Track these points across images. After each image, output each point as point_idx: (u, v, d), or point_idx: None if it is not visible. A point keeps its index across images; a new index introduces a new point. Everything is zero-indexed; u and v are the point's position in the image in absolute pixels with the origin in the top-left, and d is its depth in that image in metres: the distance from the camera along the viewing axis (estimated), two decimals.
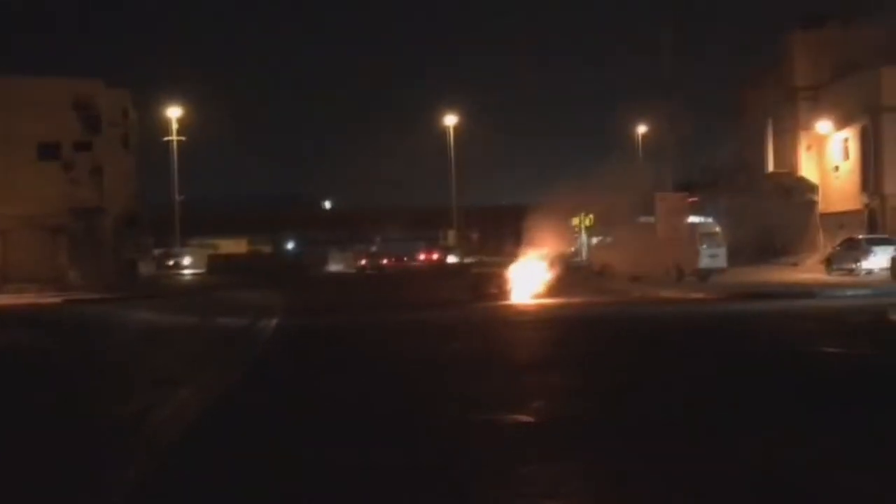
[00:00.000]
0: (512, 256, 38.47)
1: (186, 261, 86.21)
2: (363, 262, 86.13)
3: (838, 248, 48.75)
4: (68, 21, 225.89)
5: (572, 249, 70.27)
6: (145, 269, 68.31)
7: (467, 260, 57.84)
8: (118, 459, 9.33)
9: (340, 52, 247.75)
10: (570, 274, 38.77)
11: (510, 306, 31.54)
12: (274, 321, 26.83)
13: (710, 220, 47.01)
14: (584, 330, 23.27)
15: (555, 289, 35.54)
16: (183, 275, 75.87)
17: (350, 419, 11.46)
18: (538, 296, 34.63)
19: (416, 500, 7.74)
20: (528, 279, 35.98)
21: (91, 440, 10.35)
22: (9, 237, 46.20)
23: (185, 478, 8.78)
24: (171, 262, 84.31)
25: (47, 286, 43.09)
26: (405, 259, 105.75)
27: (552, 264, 37.65)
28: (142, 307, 31.47)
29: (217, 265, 79.82)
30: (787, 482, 7.99)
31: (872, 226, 56.63)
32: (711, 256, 42.89)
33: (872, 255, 44.16)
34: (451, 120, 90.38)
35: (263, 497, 7.98)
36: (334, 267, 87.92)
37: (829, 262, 47.84)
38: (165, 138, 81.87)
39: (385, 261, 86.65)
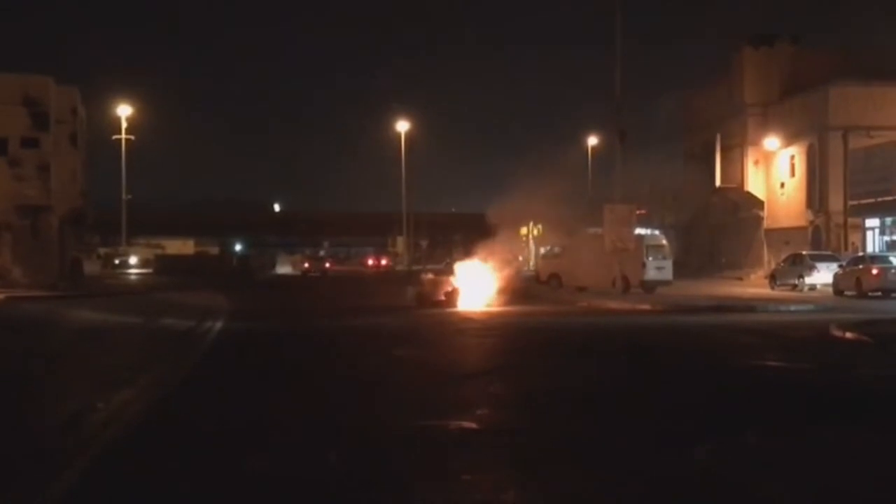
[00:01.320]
0: (460, 264, 38.50)
1: (132, 260, 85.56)
2: (307, 265, 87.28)
3: (783, 263, 49.32)
4: (17, 17, 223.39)
5: (520, 259, 70.53)
6: (91, 267, 67.67)
7: (415, 267, 57.87)
8: (53, 461, 9.22)
9: (293, 54, 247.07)
10: (518, 283, 38.83)
11: (455, 314, 31.57)
12: (218, 324, 26.67)
13: (657, 232, 47.36)
14: (525, 339, 23.32)
15: (501, 298, 35.65)
16: (128, 274, 75.24)
17: (290, 425, 11.42)
18: (484, 304, 34.72)
19: (359, 501, 7.73)
20: (475, 287, 36.05)
21: (28, 442, 10.23)
22: None
23: (116, 481, 8.71)
24: (116, 262, 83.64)
25: None
26: (350, 264, 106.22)
27: (500, 273, 37.75)
28: (85, 306, 31.13)
29: (163, 266, 79.23)
30: (691, 483, 8.08)
31: (816, 242, 57.38)
32: (658, 269, 43.21)
33: (816, 271, 44.71)
34: (402, 126, 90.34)
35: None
36: (281, 269, 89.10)
37: (773, 278, 48.40)
38: (114, 137, 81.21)
39: (327, 264, 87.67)
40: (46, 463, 9.07)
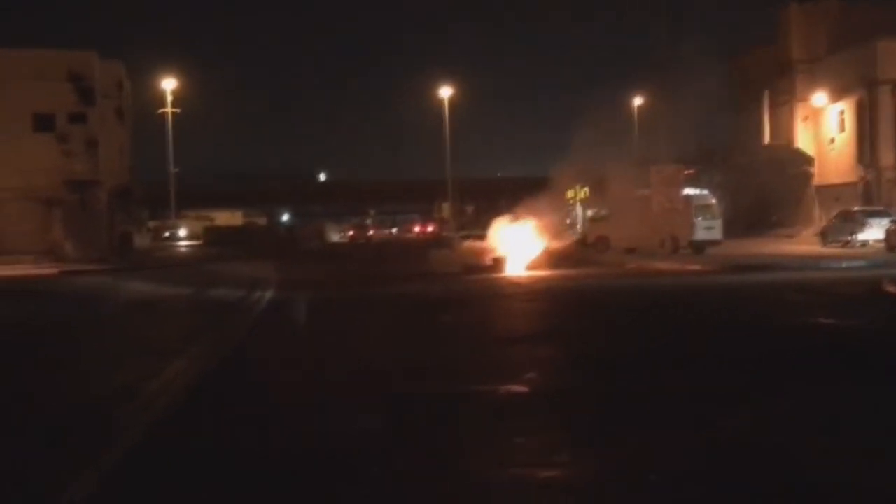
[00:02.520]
0: (507, 229, 38.33)
1: (182, 233, 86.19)
2: (351, 233, 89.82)
3: (834, 220, 48.77)
4: None
5: (567, 222, 70.28)
6: (140, 241, 68.27)
7: (462, 233, 57.83)
8: (109, 428, 9.33)
9: (337, 23, 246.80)
10: (565, 246, 38.73)
11: (502, 279, 31.53)
12: (268, 293, 26.82)
13: (705, 192, 46.97)
14: (573, 301, 23.28)
15: (549, 261, 35.55)
16: (178, 247, 75.84)
17: (340, 392, 11.47)
18: (531, 268, 34.64)
19: (410, 467, 7.74)
20: (521, 252, 35.97)
21: (84, 411, 10.36)
22: (4, 209, 46.06)
23: (175, 441, 8.80)
24: (166, 234, 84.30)
25: (42, 258, 43.08)
26: (395, 231, 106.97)
27: (547, 237, 37.64)
28: (136, 278, 31.45)
29: (212, 237, 79.77)
30: (762, 446, 8.02)
31: (868, 198, 56.65)
32: (707, 228, 42.89)
33: (867, 227, 44.18)
34: (446, 92, 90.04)
35: (254, 456, 8.00)
36: (330, 238, 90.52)
37: (824, 235, 47.86)
38: (160, 110, 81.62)
39: (371, 232, 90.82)
40: (103, 430, 9.17)
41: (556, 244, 37.80)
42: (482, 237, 37.91)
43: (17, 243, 44.98)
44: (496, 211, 38.72)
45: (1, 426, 9.67)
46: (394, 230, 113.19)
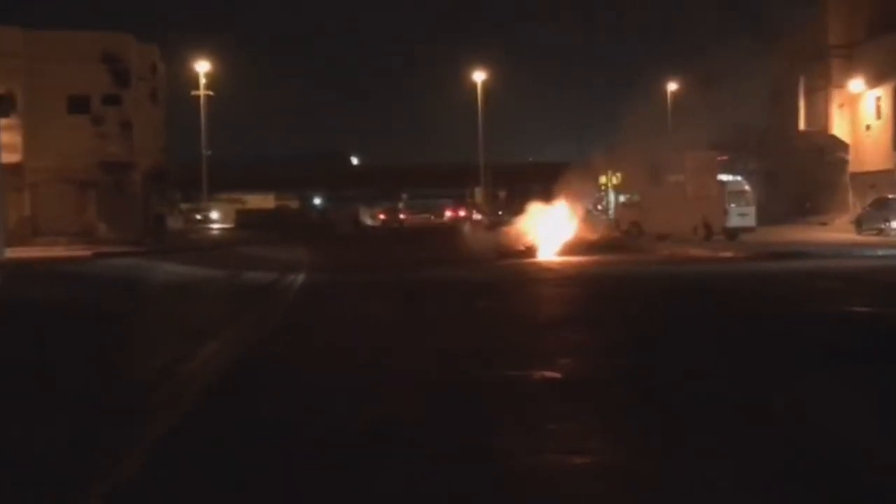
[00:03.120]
0: (539, 214, 38.18)
1: (214, 215, 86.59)
2: (382, 216, 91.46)
3: (868, 207, 48.41)
4: None
5: (599, 207, 70.02)
6: (173, 223, 68.66)
7: (492, 217, 57.71)
8: (146, 411, 9.41)
9: (370, 7, 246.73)
10: (598, 232, 38.59)
11: (534, 264, 31.49)
12: (300, 277, 26.91)
13: (739, 178, 46.72)
14: (605, 287, 23.21)
15: (581, 247, 35.45)
16: (210, 229, 76.19)
17: (374, 376, 11.50)
18: (563, 254, 34.57)
19: (443, 451, 7.76)
20: (555, 237, 35.89)
21: (121, 393, 10.45)
22: (39, 191, 46.37)
23: (220, 413, 8.85)
24: (198, 217, 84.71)
25: (76, 239, 43.34)
26: (429, 216, 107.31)
27: (579, 222, 37.53)
28: (170, 261, 31.60)
29: (244, 220, 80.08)
30: (804, 436, 7.98)
31: None
32: (740, 215, 42.68)
33: None
34: (479, 76, 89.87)
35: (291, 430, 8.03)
36: (364, 222, 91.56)
37: (859, 222, 47.52)
38: (193, 93, 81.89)
39: (402, 216, 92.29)
40: (140, 413, 9.24)
41: (589, 230, 37.64)
42: (513, 222, 37.80)
43: (52, 225, 45.31)
44: (528, 195, 38.59)
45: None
46: (426, 215, 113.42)
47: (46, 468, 7.47)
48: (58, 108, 46.97)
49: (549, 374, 11.07)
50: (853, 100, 63.83)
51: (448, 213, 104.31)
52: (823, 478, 6.88)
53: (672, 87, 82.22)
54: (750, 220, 43.06)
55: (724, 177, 45.31)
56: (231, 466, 7.50)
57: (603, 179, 73.48)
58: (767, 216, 50.63)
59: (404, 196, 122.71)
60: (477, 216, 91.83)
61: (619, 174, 71.80)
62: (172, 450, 8.13)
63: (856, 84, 62.27)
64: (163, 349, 13.19)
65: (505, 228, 37.57)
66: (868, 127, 62.77)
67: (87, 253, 36.52)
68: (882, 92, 60.90)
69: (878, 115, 61.50)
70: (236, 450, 8.02)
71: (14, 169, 44.99)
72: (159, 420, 9.03)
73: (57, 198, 46.31)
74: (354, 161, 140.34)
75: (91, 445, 8.07)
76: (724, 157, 53.02)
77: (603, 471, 7.19)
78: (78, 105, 47.44)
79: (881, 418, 8.67)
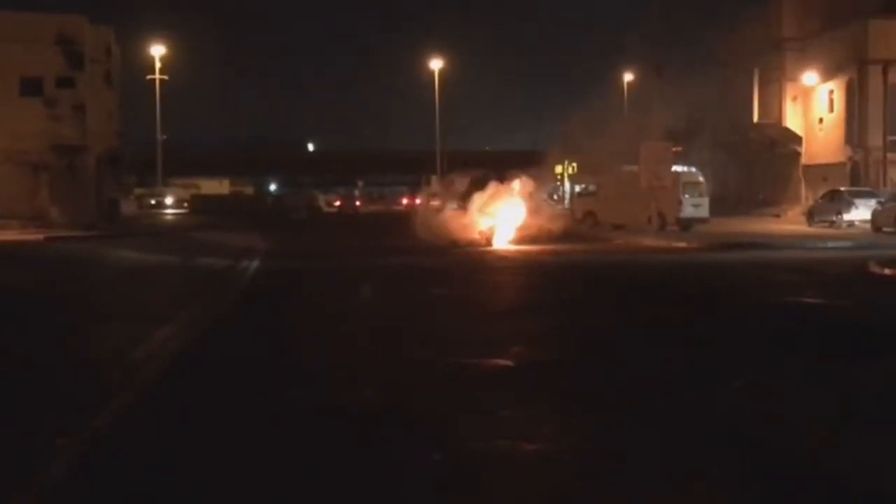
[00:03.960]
0: (495, 203, 38.13)
1: (168, 200, 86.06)
2: (338, 203, 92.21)
3: (820, 200, 48.97)
4: None
5: (556, 197, 70.22)
6: (127, 208, 68.08)
7: (450, 205, 57.61)
8: (98, 395, 9.37)
9: None
10: (553, 222, 38.65)
11: (490, 252, 31.57)
12: (254, 263, 26.82)
13: (693, 169, 47.05)
14: (560, 276, 23.32)
15: (536, 236, 35.50)
16: (164, 214, 75.69)
17: (325, 362, 11.52)
18: (517, 242, 34.64)
19: (400, 440, 7.80)
20: (511, 226, 35.93)
21: (73, 376, 10.40)
22: None
23: (157, 411, 8.84)
24: (153, 202, 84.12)
25: (29, 223, 42.91)
26: (385, 203, 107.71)
27: (535, 211, 37.56)
28: (124, 246, 31.41)
29: (199, 206, 79.62)
30: (748, 422, 8.09)
31: (855, 179, 56.85)
32: (694, 206, 43.00)
33: (854, 207, 44.39)
34: (436, 64, 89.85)
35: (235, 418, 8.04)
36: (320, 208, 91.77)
37: (811, 214, 48.06)
38: (148, 77, 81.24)
39: (358, 203, 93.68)
40: (92, 396, 9.21)
41: (544, 219, 37.68)
42: (468, 210, 37.71)
43: (4, 208, 44.83)
44: (484, 185, 38.54)
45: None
46: (382, 202, 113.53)
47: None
48: (10, 89, 46.47)
49: (502, 361, 11.13)
50: (806, 92, 64.49)
51: (404, 201, 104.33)
52: (761, 463, 7.00)
53: (628, 77, 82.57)
54: (703, 211, 43.40)
55: (678, 167, 45.59)
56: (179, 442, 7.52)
57: (559, 169, 73.73)
58: (721, 208, 51.08)
59: (360, 183, 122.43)
60: (433, 203, 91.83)
61: (574, 164, 72.01)
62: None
63: (809, 77, 62.89)
64: (104, 337, 13.10)
65: (460, 216, 37.47)
66: (821, 120, 63.46)
67: (39, 237, 36.20)
68: (835, 85, 61.58)
69: (831, 109, 62.19)
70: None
71: None
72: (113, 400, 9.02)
73: (9, 180, 45.81)
74: (311, 147, 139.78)
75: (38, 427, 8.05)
76: (678, 148, 53.34)
77: (551, 455, 7.27)
78: (30, 87, 46.96)
79: (818, 406, 8.83)
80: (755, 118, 69.02)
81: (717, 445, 7.57)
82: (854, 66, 58.76)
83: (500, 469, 6.95)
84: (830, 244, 33.87)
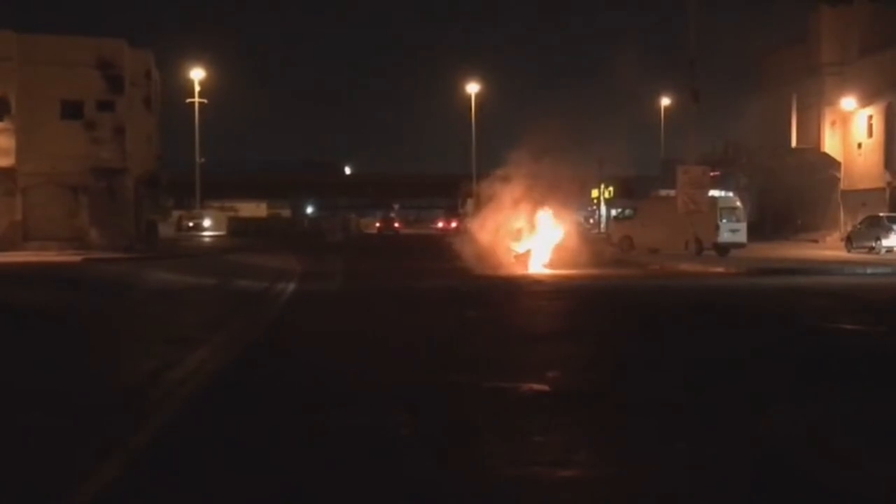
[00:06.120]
0: (532, 227, 38.08)
1: (206, 223, 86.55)
2: (378, 224, 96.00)
3: (859, 225, 48.55)
4: None
5: (591, 221, 70.11)
6: (165, 230, 68.54)
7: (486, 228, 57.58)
8: (133, 415, 9.41)
9: (364, 19, 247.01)
10: (589, 246, 38.55)
11: (525, 277, 31.50)
12: (291, 286, 26.89)
13: (731, 194, 46.82)
14: (596, 301, 23.23)
15: (572, 260, 35.41)
16: (202, 237, 76.12)
17: (362, 385, 11.50)
18: (554, 267, 34.55)
19: (433, 461, 7.78)
20: (546, 250, 35.88)
21: (109, 397, 10.45)
22: (30, 195, 46.29)
23: (193, 433, 8.86)
24: (190, 224, 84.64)
25: (67, 245, 43.27)
26: (420, 226, 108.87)
27: (571, 236, 37.49)
28: (161, 268, 31.55)
29: (236, 228, 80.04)
30: (787, 453, 8.01)
31: (894, 204, 56.34)
32: (731, 231, 42.75)
33: (893, 233, 43.98)
34: (473, 88, 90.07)
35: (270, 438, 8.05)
36: (354, 230, 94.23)
37: (849, 240, 47.67)
38: (187, 100, 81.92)
39: (396, 224, 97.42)
40: (128, 417, 9.24)
41: (580, 243, 37.57)
42: (504, 234, 37.64)
43: (44, 230, 45.23)
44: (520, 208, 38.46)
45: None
46: (417, 224, 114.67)
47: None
48: (51, 112, 46.90)
49: (537, 386, 11.08)
50: (845, 118, 64.12)
51: (440, 224, 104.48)
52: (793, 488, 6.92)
53: (665, 101, 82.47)
54: (741, 236, 43.14)
55: (715, 192, 45.41)
56: (218, 463, 7.53)
57: (595, 193, 73.64)
58: (758, 232, 50.76)
59: (396, 206, 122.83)
60: (469, 226, 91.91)
61: (611, 188, 71.89)
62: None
63: (848, 102, 62.55)
64: (140, 358, 13.15)
65: (497, 240, 37.41)
66: (860, 145, 63.03)
67: (78, 258, 36.46)
68: (874, 111, 61.19)
69: (870, 134, 61.78)
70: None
71: (6, 173, 45.01)
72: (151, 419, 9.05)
73: (49, 202, 46.23)
74: (347, 171, 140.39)
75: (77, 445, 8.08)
76: (716, 173, 53.17)
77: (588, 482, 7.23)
78: (71, 110, 47.37)
79: (855, 435, 8.72)
80: (794, 143, 68.67)
81: (767, 480, 7.49)
82: (893, 92, 58.38)
83: (533, 495, 6.90)
84: (869, 270, 33.57)
